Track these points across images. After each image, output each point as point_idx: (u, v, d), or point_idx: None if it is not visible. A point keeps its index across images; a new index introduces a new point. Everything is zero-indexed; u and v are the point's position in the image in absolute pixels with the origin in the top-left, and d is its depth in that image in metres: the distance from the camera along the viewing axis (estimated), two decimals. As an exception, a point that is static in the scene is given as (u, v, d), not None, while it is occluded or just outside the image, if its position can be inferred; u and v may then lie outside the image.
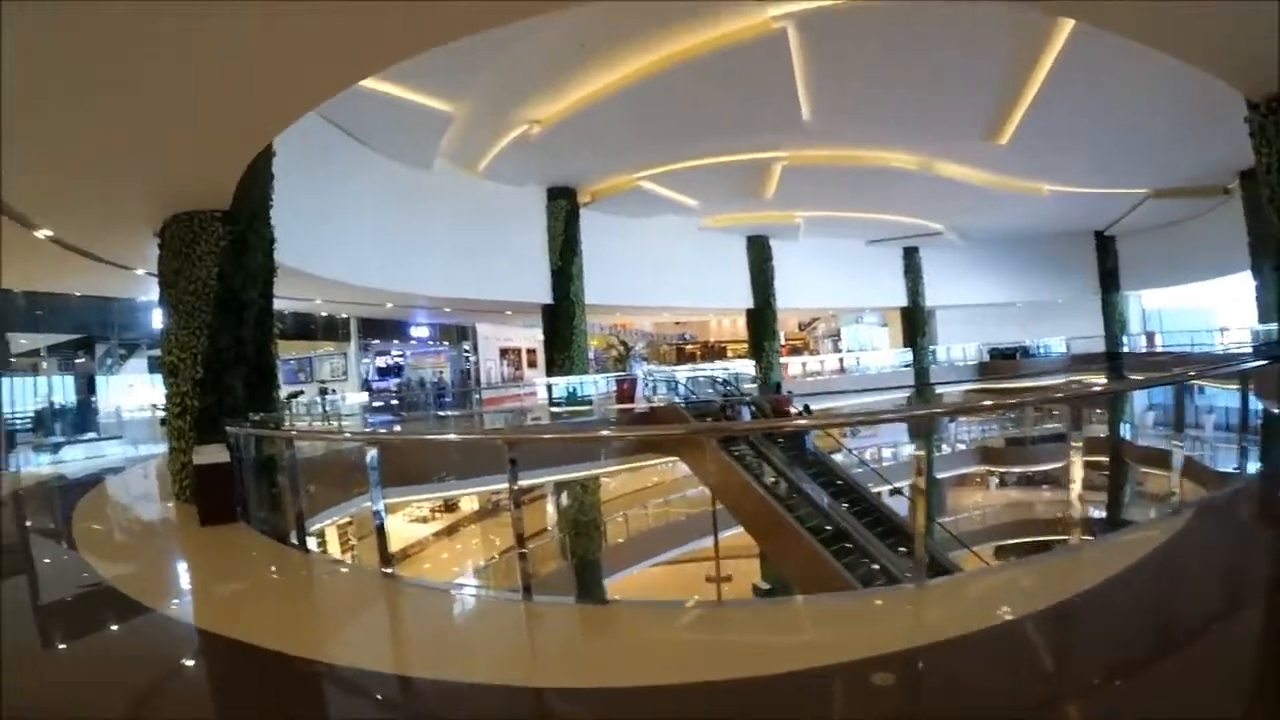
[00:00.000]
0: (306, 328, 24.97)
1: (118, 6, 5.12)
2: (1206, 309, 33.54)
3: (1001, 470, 36.51)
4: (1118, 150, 20.89)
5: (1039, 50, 14.44)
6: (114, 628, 4.86)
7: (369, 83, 13.72)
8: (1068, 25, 13.26)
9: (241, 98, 6.60)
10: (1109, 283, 33.87)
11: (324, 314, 24.36)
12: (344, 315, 25.22)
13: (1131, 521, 31.26)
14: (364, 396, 22.30)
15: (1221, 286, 30.13)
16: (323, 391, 22.90)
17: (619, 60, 14.39)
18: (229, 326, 9.09)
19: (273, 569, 6.24)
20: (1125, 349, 33.50)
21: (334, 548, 24.34)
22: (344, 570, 7.36)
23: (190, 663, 4.11)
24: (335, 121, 15.85)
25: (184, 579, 6.25)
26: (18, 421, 19.43)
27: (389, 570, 5.33)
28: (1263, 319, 21.83)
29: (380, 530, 5.30)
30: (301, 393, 22.53)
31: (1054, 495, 36.66)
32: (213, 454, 7.45)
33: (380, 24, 5.68)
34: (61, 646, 4.62)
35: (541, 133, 17.07)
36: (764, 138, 19.01)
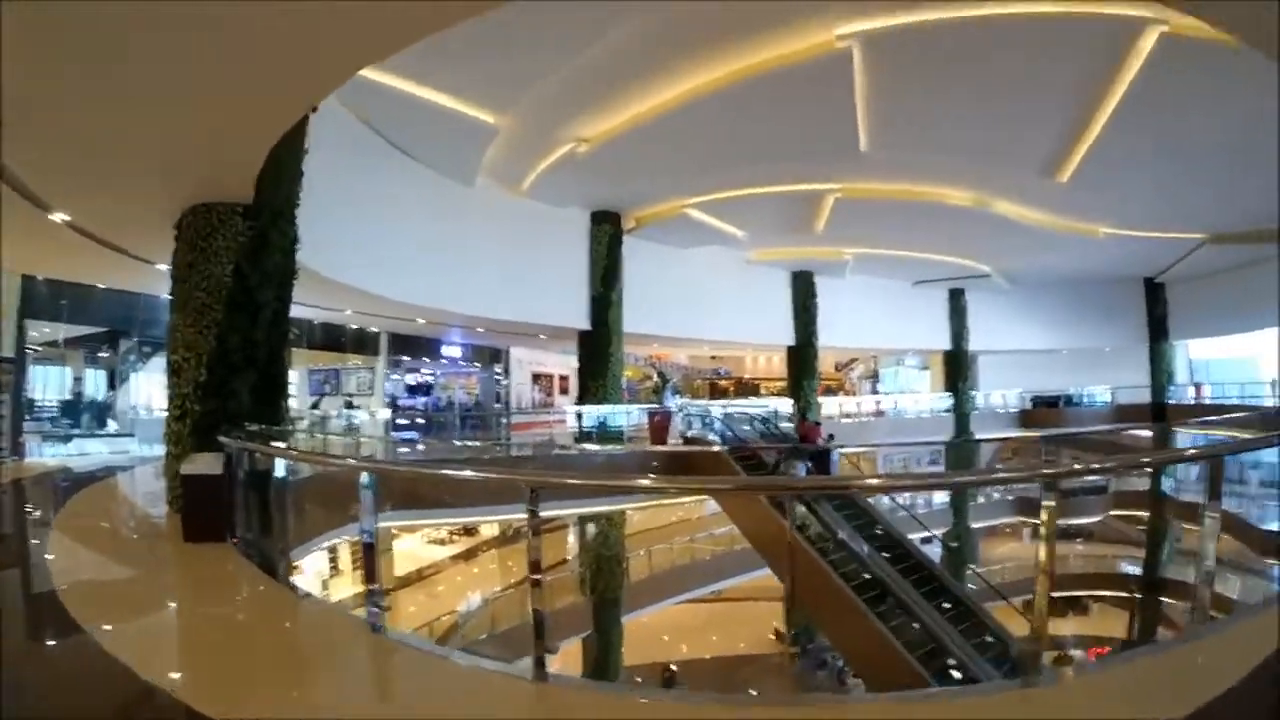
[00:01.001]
0: (335, 340, 24.47)
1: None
2: (1250, 358, 32.39)
3: (1036, 521, 35.21)
4: (1178, 192, 20.20)
5: (1109, 83, 13.76)
6: (26, 643, 4.32)
7: (414, 88, 13.49)
8: (1140, 57, 12.69)
9: (260, 77, 6.01)
10: (1157, 331, 32.70)
11: (354, 326, 23.87)
12: (374, 329, 24.73)
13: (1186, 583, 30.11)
14: (386, 413, 21.64)
15: (1265, 336, 28.88)
16: (348, 405, 22.35)
17: (674, 77, 13.71)
18: (240, 327, 8.53)
19: (240, 607, 5.44)
20: (1171, 400, 32.44)
21: (345, 569, 23.90)
22: (324, 617, 6.35)
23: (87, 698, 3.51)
24: (378, 129, 15.43)
25: (137, 602, 5.50)
26: (41, 411, 19.21)
27: (377, 622, 4.43)
28: None
29: (370, 563, 4.49)
30: (318, 403, 22.10)
31: (1088, 549, 35.51)
32: (205, 464, 6.77)
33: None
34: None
35: (589, 151, 16.40)
36: (819, 167, 18.31)
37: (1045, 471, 2.87)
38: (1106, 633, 32.30)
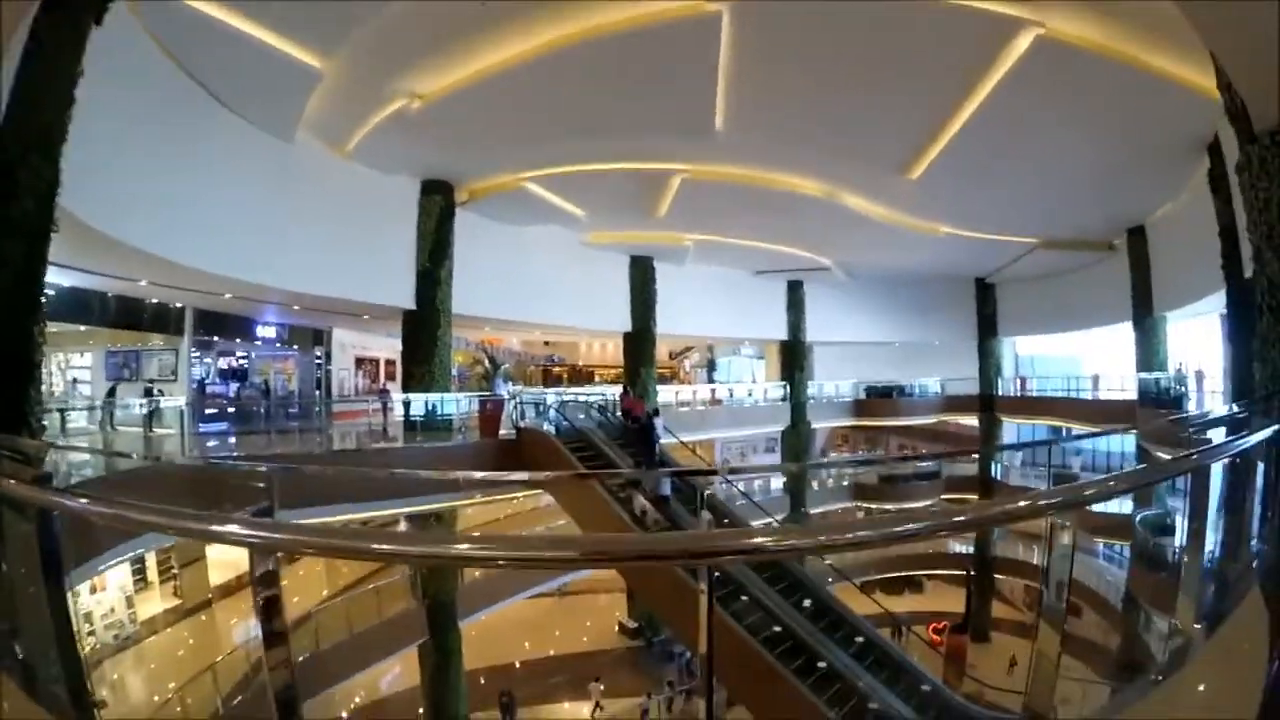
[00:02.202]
0: (135, 316, 21.36)
1: None
2: (1073, 357, 35.16)
3: (873, 507, 37.03)
4: (1019, 198, 21.16)
5: (971, 86, 13.90)
6: None
7: (227, 17, 11.51)
8: (1011, 58, 12.72)
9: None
10: (986, 328, 34.79)
11: (154, 301, 20.86)
12: (178, 305, 21.78)
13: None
14: (179, 402, 18.91)
15: (1086, 337, 32.04)
16: (148, 392, 19.43)
17: (523, 29, 12.46)
18: None
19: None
20: (999, 392, 34.57)
21: (153, 580, 21.26)
22: None
23: None
24: (187, 67, 13.21)
25: None
26: None
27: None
28: (1140, 368, 23.14)
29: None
30: (114, 389, 19.30)
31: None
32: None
33: None
34: None
35: (422, 109, 14.82)
36: (669, 143, 17.42)
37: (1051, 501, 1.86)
38: (944, 608, 34.10)
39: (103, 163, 9.48)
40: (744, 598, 12.85)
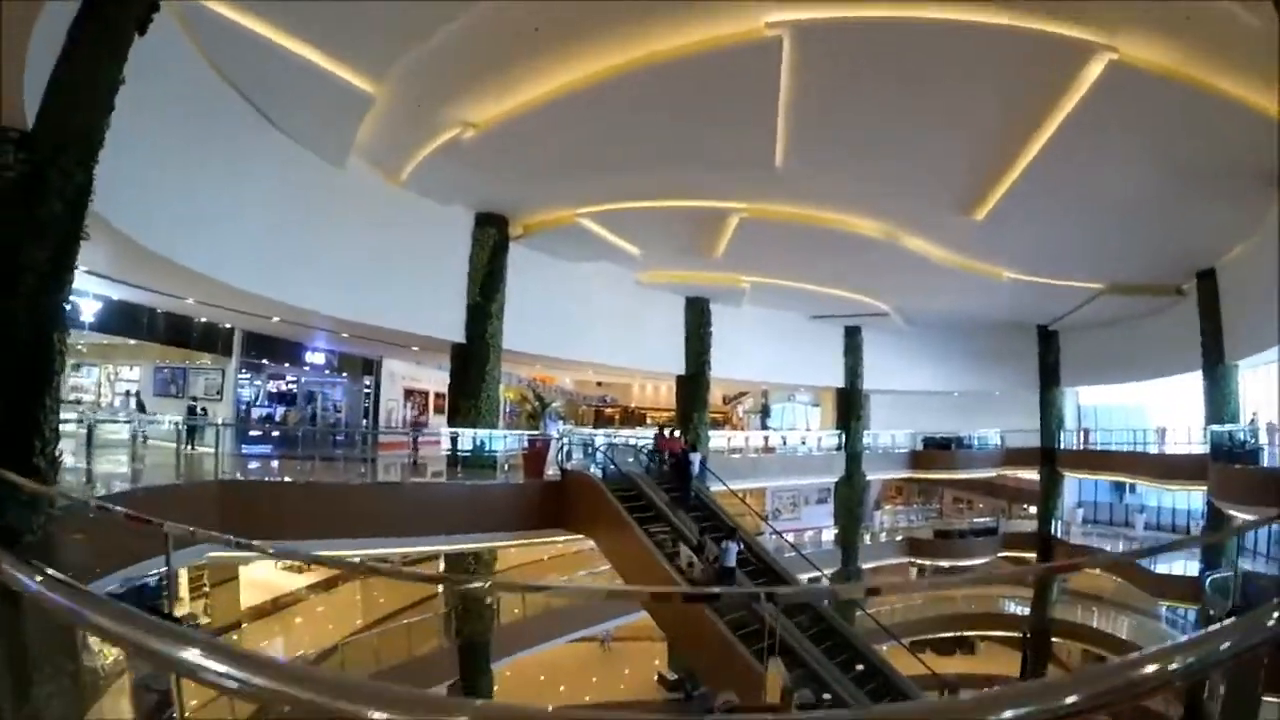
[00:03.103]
0: (183, 334, 21.49)
1: None
2: (1137, 407, 34.19)
3: (926, 562, 35.82)
4: (1086, 240, 20.39)
5: (1040, 118, 13.15)
6: None
7: (280, 37, 11.30)
8: (1079, 91, 12.07)
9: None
10: (1049, 378, 33.35)
11: (203, 320, 20.94)
12: (227, 325, 21.87)
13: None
14: (219, 420, 18.80)
15: (1152, 386, 30.92)
16: (191, 410, 19.42)
17: (580, 54, 12.01)
18: None
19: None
20: (1060, 444, 33.16)
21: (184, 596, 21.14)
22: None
23: None
24: (238, 85, 13.05)
25: None
26: None
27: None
28: (1210, 419, 21.86)
29: None
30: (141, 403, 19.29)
31: (975, 590, 35.97)
32: None
33: None
34: None
35: (476, 138, 14.44)
36: (728, 181, 16.90)
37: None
38: (996, 671, 32.54)
39: (144, 173, 9.31)
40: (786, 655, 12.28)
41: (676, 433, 19.82)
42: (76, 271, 7.39)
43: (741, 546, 13.94)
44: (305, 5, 10.70)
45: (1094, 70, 11.47)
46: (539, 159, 16.03)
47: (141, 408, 18.65)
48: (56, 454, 7.14)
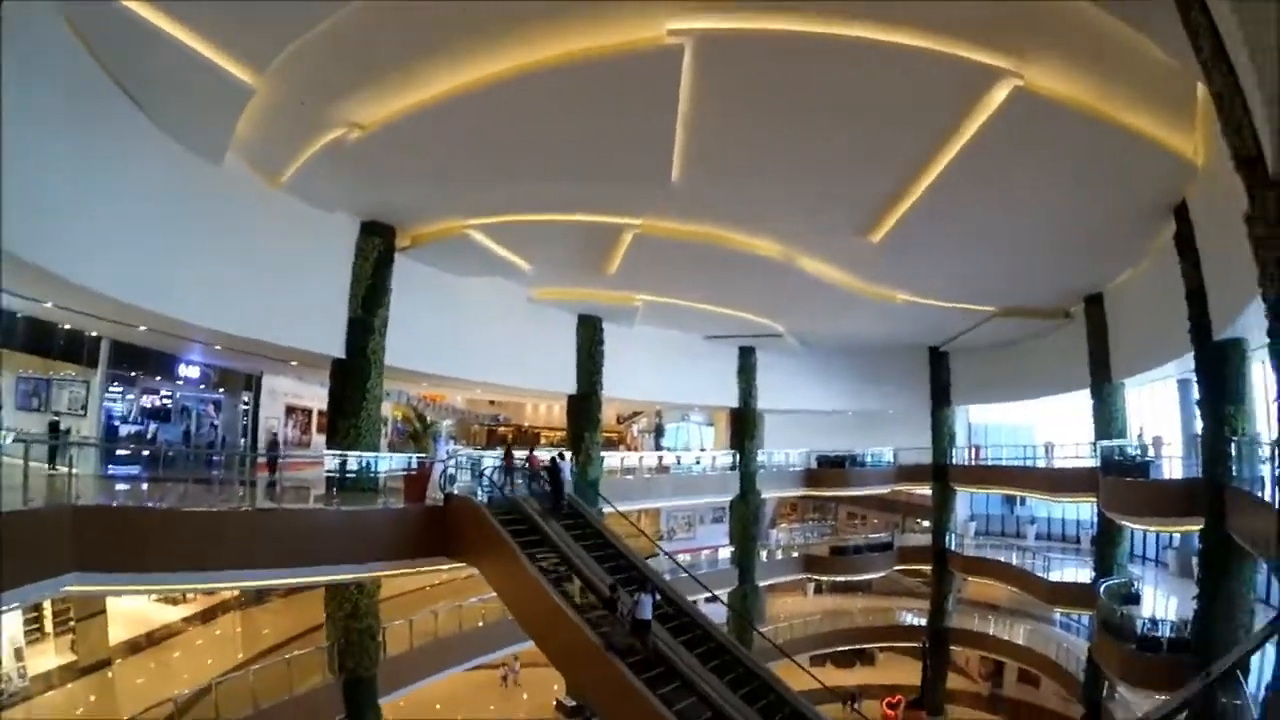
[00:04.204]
0: (46, 342, 19.72)
1: None
2: (1026, 425, 35.77)
3: (822, 578, 36.49)
4: (981, 266, 20.98)
5: (942, 141, 13.30)
6: None
7: (157, 19, 10.40)
8: (981, 116, 12.27)
9: None
10: (940, 397, 34.49)
11: (66, 326, 19.25)
12: (93, 334, 20.17)
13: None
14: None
15: (1038, 405, 32.28)
16: (53, 427, 17.66)
17: (474, 54, 11.48)
18: None
19: None
20: (952, 461, 34.17)
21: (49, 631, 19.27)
22: None
23: None
24: (108, 68, 11.93)
25: None
26: None
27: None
28: (1099, 435, 22.76)
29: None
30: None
31: (870, 603, 36.94)
32: None
33: None
34: None
35: (362, 140, 13.71)
36: (622, 193, 16.58)
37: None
38: (897, 681, 33.32)
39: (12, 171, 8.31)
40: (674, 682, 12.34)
41: (537, 452, 19.33)
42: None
43: (658, 597, 13.42)
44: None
45: (998, 95, 11.60)
46: (428, 165, 15.43)
47: (55, 427, 16.98)
48: None
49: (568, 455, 19.63)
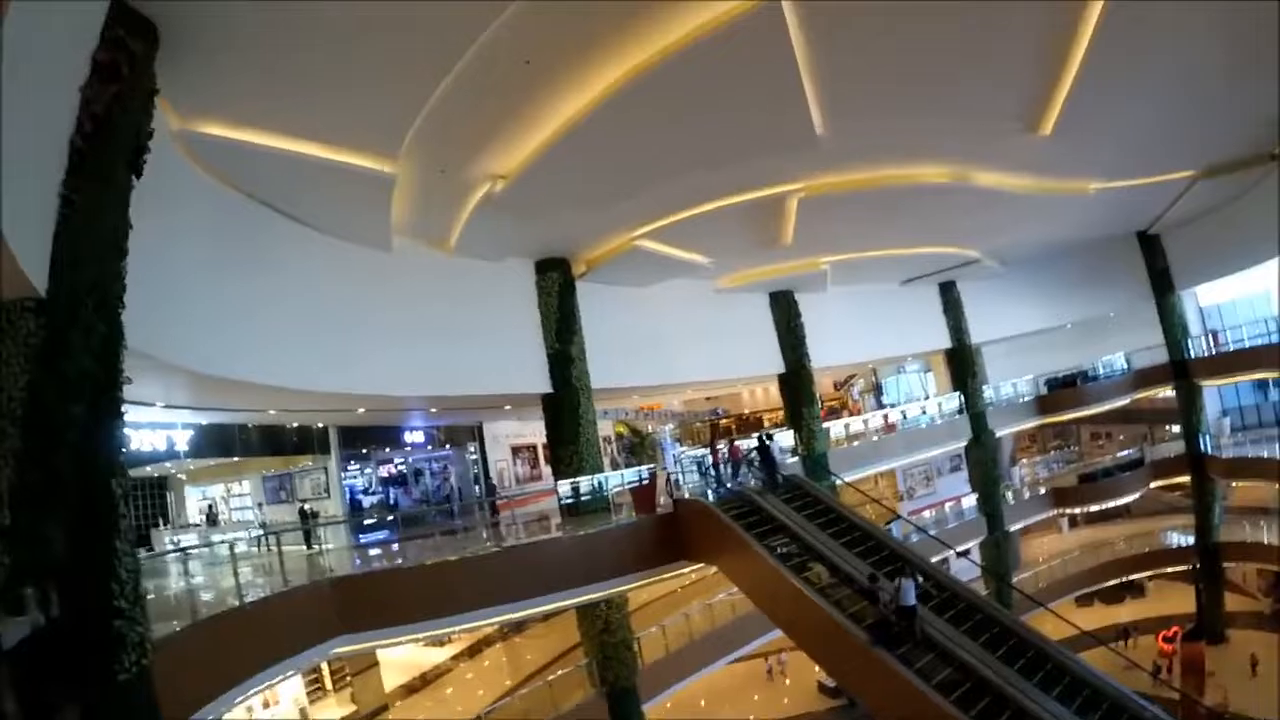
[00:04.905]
0: (279, 442, 22.08)
1: None
2: (1262, 294, 31.78)
3: (1075, 511, 33.76)
4: (1165, 126, 18.43)
5: (1080, 11, 12.00)
6: None
7: (282, 143, 11.33)
8: None
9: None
10: (1161, 284, 30.89)
11: (294, 425, 21.44)
12: (320, 425, 22.30)
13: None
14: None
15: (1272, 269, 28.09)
16: (302, 514, 19.66)
17: (578, 75, 11.57)
18: (38, 455, 6.48)
19: None
20: (1190, 354, 30.93)
21: (328, 688, 21.80)
22: None
23: None
24: (261, 197, 13.22)
25: None
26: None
27: None
28: None
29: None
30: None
31: (1131, 529, 33.88)
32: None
33: None
34: None
35: (508, 188, 14.25)
36: (773, 163, 16.08)
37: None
38: (1171, 611, 30.26)
39: (188, 307, 9.30)
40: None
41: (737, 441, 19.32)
42: (125, 415, 7.44)
43: (919, 580, 12.87)
44: (295, 105, 10.72)
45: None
46: (574, 192, 15.62)
47: (213, 521, 19.29)
48: (140, 591, 7.15)
49: (775, 436, 19.33)
